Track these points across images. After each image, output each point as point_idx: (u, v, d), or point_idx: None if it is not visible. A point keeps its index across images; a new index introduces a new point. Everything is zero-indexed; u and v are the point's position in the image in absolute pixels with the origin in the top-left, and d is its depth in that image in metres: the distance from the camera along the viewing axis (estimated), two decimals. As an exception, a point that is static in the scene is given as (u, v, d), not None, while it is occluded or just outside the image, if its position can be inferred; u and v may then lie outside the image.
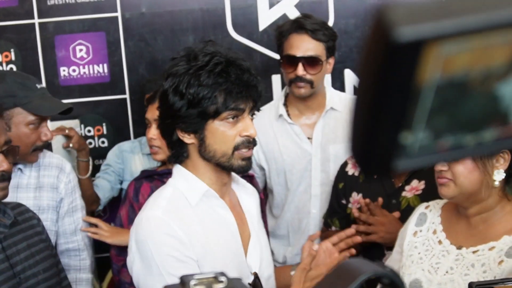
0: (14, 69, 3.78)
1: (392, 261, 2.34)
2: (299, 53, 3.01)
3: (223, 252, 1.96)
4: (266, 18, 3.82)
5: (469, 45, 0.50)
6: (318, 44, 3.02)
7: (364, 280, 0.88)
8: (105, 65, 3.84)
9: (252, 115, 1.93)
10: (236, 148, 1.91)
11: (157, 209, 1.92)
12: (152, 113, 2.71)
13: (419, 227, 2.29)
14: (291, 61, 3.02)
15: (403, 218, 2.74)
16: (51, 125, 3.71)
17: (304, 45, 3.02)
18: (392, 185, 2.82)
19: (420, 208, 2.35)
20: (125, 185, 3.49)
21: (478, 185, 2.08)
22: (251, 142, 1.92)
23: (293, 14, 3.73)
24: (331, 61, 3.11)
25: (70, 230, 2.84)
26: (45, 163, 2.81)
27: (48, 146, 2.96)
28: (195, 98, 1.86)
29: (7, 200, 2.36)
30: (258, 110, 1.99)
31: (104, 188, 3.46)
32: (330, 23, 3.82)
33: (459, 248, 2.16)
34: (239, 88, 1.86)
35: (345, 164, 2.99)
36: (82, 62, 3.83)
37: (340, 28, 3.83)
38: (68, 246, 2.84)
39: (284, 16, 3.78)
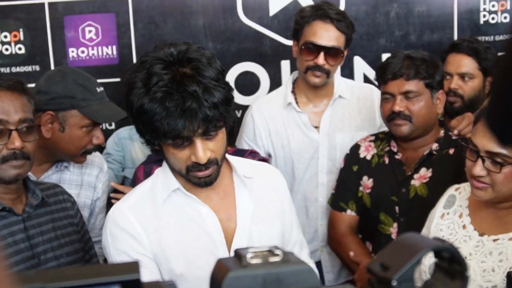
0: (23, 49, 3.76)
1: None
2: (322, 42, 3.00)
3: (193, 247, 1.98)
4: (276, 3, 3.81)
5: None
6: (341, 35, 3.02)
7: (425, 254, 0.89)
8: (114, 47, 3.83)
9: (210, 135, 1.85)
10: (188, 170, 1.90)
11: (125, 202, 2.00)
12: None
13: (446, 210, 2.30)
14: (312, 48, 3.00)
15: (412, 208, 2.75)
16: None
17: (329, 35, 3.01)
18: (403, 173, 2.83)
19: (451, 190, 2.35)
20: (126, 172, 3.48)
21: None
22: (202, 165, 1.88)
23: (305, 0, 3.72)
24: (345, 52, 3.11)
25: (100, 225, 2.83)
26: (88, 161, 2.80)
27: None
28: (141, 119, 1.85)
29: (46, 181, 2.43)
30: (222, 127, 1.87)
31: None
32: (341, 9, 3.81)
33: (481, 235, 2.16)
34: (179, 118, 1.77)
35: (357, 147, 2.99)
36: (91, 43, 3.81)
37: (351, 15, 3.78)
38: (98, 239, 2.84)
39: (295, 2, 3.76)
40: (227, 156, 2.07)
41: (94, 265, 2.20)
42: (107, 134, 3.69)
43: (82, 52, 3.81)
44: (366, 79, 3.84)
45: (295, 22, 3.10)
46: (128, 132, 3.54)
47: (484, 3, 3.85)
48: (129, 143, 3.51)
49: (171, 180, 1.99)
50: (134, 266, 0.81)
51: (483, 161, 2.08)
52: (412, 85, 2.71)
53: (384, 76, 2.76)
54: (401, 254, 0.88)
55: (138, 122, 1.86)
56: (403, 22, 3.84)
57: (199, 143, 1.84)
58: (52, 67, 3.76)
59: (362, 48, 3.86)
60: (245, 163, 2.14)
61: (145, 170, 2.85)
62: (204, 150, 1.85)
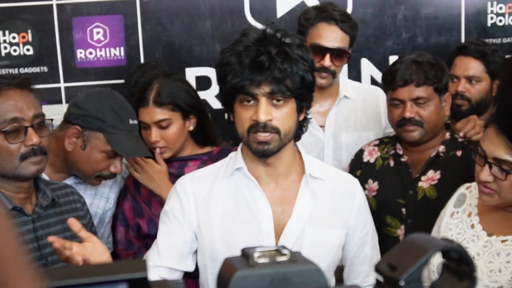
0: (31, 50, 3.77)
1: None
2: (327, 44, 3.01)
3: (237, 229, 2.04)
4: (284, 5, 3.81)
5: None
6: (345, 36, 3.04)
7: (433, 254, 0.88)
8: (121, 48, 3.83)
9: (277, 100, 1.93)
10: (249, 131, 1.96)
11: (194, 173, 2.18)
12: (149, 115, 2.70)
13: (456, 208, 2.30)
14: (318, 50, 3.00)
15: (420, 209, 2.75)
16: (67, 107, 3.71)
17: (334, 36, 3.02)
18: (409, 175, 2.82)
19: (461, 189, 2.35)
20: None
21: None
22: (260, 126, 1.94)
23: (311, 1, 3.72)
24: (350, 52, 3.12)
25: (108, 233, 2.83)
26: None
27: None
28: (220, 74, 1.98)
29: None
30: (289, 97, 1.95)
31: None
32: (348, 11, 3.80)
33: (489, 235, 2.16)
34: (249, 70, 1.89)
35: (361, 152, 2.99)
36: (99, 44, 3.82)
37: (358, 17, 3.81)
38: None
39: (302, 3, 3.76)
40: (304, 155, 2.11)
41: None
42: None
43: (90, 53, 3.81)
44: (373, 81, 3.83)
45: (299, 24, 3.11)
46: None
47: (492, 5, 3.84)
48: None
49: (238, 159, 2.07)
50: (141, 264, 0.81)
51: (490, 167, 2.08)
52: (422, 91, 2.71)
53: (393, 82, 2.75)
54: (409, 254, 0.88)
55: (218, 80, 1.99)
56: (410, 24, 3.84)
57: (263, 103, 1.92)
58: (60, 69, 3.78)
59: (369, 50, 3.85)
60: (322, 166, 2.16)
61: (134, 179, 2.83)
62: (266, 111, 1.92)
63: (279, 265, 0.85)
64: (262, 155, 2.00)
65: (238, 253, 1.96)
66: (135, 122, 2.61)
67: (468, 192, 2.32)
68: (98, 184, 2.66)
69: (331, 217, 2.08)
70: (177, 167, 2.78)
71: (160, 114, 2.67)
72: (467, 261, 0.90)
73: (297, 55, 1.91)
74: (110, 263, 2.15)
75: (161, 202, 2.74)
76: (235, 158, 2.10)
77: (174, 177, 2.71)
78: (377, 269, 0.89)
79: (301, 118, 2.04)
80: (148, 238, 2.77)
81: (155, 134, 2.72)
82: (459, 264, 0.90)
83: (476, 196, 2.26)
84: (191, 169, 2.76)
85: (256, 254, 0.86)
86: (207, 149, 2.83)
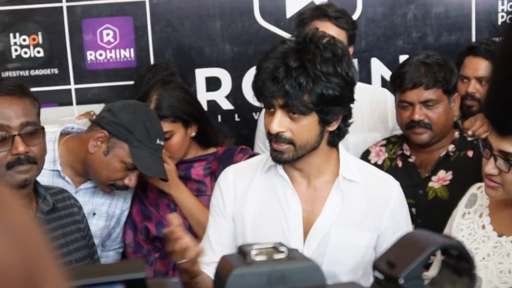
0: (41, 52, 3.79)
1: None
2: None
3: (267, 224, 2.08)
4: (293, 5, 3.81)
5: None
6: (341, 32, 3.00)
7: (433, 251, 0.88)
8: (131, 49, 3.84)
9: (293, 113, 1.93)
10: (269, 137, 2.00)
11: (237, 165, 2.24)
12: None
13: (468, 209, 2.28)
14: None
15: (431, 209, 2.73)
16: (78, 109, 3.73)
17: (329, 33, 3.00)
18: (418, 175, 2.80)
19: (472, 189, 2.34)
20: None
21: None
22: (272, 136, 1.96)
23: (321, 2, 3.71)
24: (351, 49, 3.09)
25: (122, 234, 2.84)
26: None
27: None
28: (254, 77, 2.02)
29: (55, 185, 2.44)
30: (304, 113, 1.93)
31: None
32: (358, 11, 3.80)
33: (500, 235, 2.15)
34: (267, 80, 1.92)
35: (367, 153, 2.97)
36: (109, 46, 3.83)
37: (368, 17, 3.81)
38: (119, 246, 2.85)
39: (312, 4, 3.75)
40: (342, 155, 2.11)
41: (100, 264, 2.21)
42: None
43: (100, 55, 3.83)
44: (384, 81, 3.82)
45: (296, 26, 3.10)
46: None
47: (502, 4, 3.82)
48: None
49: None
50: (139, 265, 0.81)
51: (496, 159, 2.07)
52: (432, 94, 2.69)
53: (402, 85, 2.73)
54: (408, 252, 0.87)
55: (253, 80, 2.02)
56: (421, 23, 3.82)
57: (278, 114, 1.94)
58: (71, 70, 3.80)
59: (380, 50, 3.84)
60: (361, 168, 2.15)
61: (141, 182, 2.81)
62: (279, 122, 1.94)
63: (277, 262, 0.84)
64: (277, 162, 2.03)
65: None
66: (162, 143, 2.61)
67: (479, 192, 2.30)
68: (108, 192, 2.65)
69: (361, 219, 2.07)
70: (183, 169, 2.78)
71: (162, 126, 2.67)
72: (467, 258, 0.89)
73: (320, 71, 1.89)
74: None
75: (168, 204, 2.74)
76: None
77: (181, 179, 2.71)
78: (376, 266, 0.88)
79: (331, 128, 2.02)
80: (157, 241, 2.76)
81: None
82: (458, 261, 0.90)
83: (487, 196, 2.25)
84: (197, 170, 2.76)
85: (253, 252, 0.86)
86: (211, 150, 2.83)
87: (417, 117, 2.69)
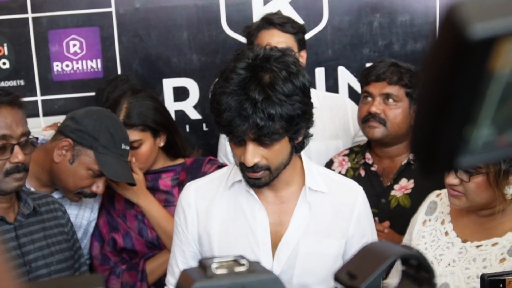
0: (7, 64, 3.76)
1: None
2: None
3: (234, 240, 2.07)
4: (260, 15, 3.79)
5: None
6: (288, 37, 3.04)
7: (392, 261, 0.89)
8: (98, 60, 3.83)
9: (265, 143, 1.92)
10: (241, 167, 1.99)
11: (198, 181, 2.20)
12: None
13: (428, 216, 2.30)
14: None
15: (394, 218, 2.75)
16: (44, 120, 3.70)
17: (275, 39, 3.00)
18: (381, 184, 2.83)
19: (432, 196, 2.36)
20: None
21: (490, 199, 2.09)
22: (248, 167, 1.94)
23: (288, 11, 3.73)
24: (303, 54, 3.11)
25: (88, 246, 2.83)
26: None
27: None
28: (211, 106, 1.97)
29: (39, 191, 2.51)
30: (277, 139, 1.92)
31: None
32: (324, 20, 3.82)
33: (464, 241, 2.17)
34: (235, 117, 1.87)
35: (330, 163, 2.99)
36: (75, 57, 3.81)
37: (334, 26, 3.84)
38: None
39: (279, 13, 3.77)
40: (306, 164, 2.11)
41: (58, 279, 2.24)
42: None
43: (67, 66, 3.80)
44: (351, 89, 3.85)
45: (246, 38, 3.13)
46: None
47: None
48: None
49: (238, 171, 2.06)
50: (97, 279, 0.81)
51: (456, 170, 2.09)
52: (394, 89, 2.73)
53: (367, 77, 2.78)
54: (368, 262, 0.88)
55: (212, 109, 1.97)
56: (386, 31, 3.86)
57: (250, 146, 1.92)
58: (37, 82, 3.77)
59: (346, 58, 3.87)
60: (325, 176, 2.15)
61: (108, 192, 2.81)
62: (253, 154, 1.92)
63: (237, 275, 0.85)
64: (255, 187, 2.03)
65: None
66: (127, 148, 2.60)
67: (439, 199, 2.33)
68: (76, 200, 2.65)
69: (329, 228, 2.07)
70: (150, 180, 2.78)
71: (130, 135, 2.65)
72: (426, 268, 0.90)
73: (282, 95, 1.87)
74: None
75: (136, 215, 2.73)
76: (236, 170, 2.10)
77: (149, 190, 2.70)
78: (337, 277, 0.89)
79: (298, 141, 2.03)
80: (124, 252, 2.75)
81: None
82: (418, 270, 0.91)
83: (448, 203, 2.27)
84: (165, 180, 2.75)
85: (214, 265, 0.86)
86: (179, 161, 2.82)
87: (374, 109, 2.73)
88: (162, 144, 2.76)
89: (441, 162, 0.60)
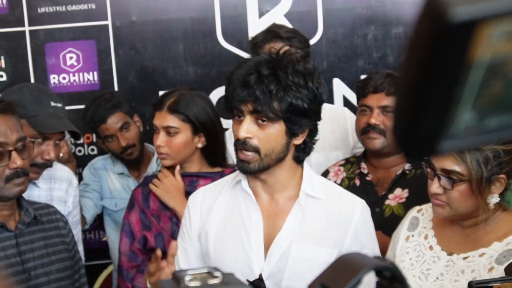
0: (4, 76, 3.78)
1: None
2: None
3: (228, 238, 2.10)
4: (255, 27, 3.84)
5: None
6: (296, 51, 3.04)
7: (365, 274, 0.90)
8: (95, 73, 3.85)
9: (262, 120, 1.96)
10: (236, 146, 2.02)
11: (207, 185, 2.28)
12: (160, 119, 2.72)
13: (411, 232, 2.30)
14: None
15: (388, 227, 2.76)
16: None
17: None
18: (375, 193, 2.84)
19: (412, 212, 2.36)
20: (105, 203, 3.50)
21: (473, 208, 2.09)
22: (240, 143, 1.98)
23: (283, 23, 3.76)
24: None
25: (76, 238, 2.84)
26: (57, 176, 2.84)
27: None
28: (227, 79, 2.05)
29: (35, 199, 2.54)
30: (272, 119, 1.96)
31: (88, 206, 3.45)
32: (319, 33, 3.85)
33: (450, 254, 2.17)
34: (237, 86, 1.95)
35: (326, 172, 3.00)
36: (72, 70, 3.83)
37: (329, 38, 3.86)
38: None
39: (284, 26, 3.79)
40: (306, 172, 2.13)
41: None
42: (90, 159, 3.70)
43: (64, 78, 3.83)
44: (346, 101, 3.87)
45: (250, 49, 3.13)
46: (102, 163, 3.57)
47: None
48: (104, 173, 3.53)
49: (240, 173, 2.12)
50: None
51: (439, 179, 2.10)
52: (391, 101, 2.73)
53: (364, 88, 2.79)
54: (341, 274, 0.89)
55: (225, 92, 2.06)
56: (381, 44, 3.88)
57: (247, 120, 1.97)
58: (34, 94, 3.78)
59: (341, 70, 3.89)
60: (325, 186, 2.18)
61: (143, 191, 2.85)
62: (246, 128, 1.97)
63: None
64: (243, 172, 2.05)
65: (228, 261, 2.03)
66: (59, 104, 2.66)
67: (420, 215, 2.33)
68: (36, 178, 2.68)
69: (322, 235, 2.08)
70: (188, 184, 2.80)
71: (170, 120, 2.68)
72: (400, 279, 0.91)
73: (291, 82, 1.91)
74: None
75: (170, 217, 2.75)
76: (238, 171, 2.15)
77: (186, 194, 2.72)
78: (311, 289, 0.90)
79: (297, 142, 2.05)
80: (153, 252, 2.78)
81: (161, 139, 2.73)
82: (392, 282, 0.92)
83: (430, 218, 2.28)
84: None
85: (187, 278, 0.87)
86: (217, 169, 2.83)
87: (373, 121, 2.74)
88: (200, 145, 2.76)
89: (423, 147, 0.60)
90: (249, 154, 1.99)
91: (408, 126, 0.59)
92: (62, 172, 2.87)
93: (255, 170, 2.02)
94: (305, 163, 2.16)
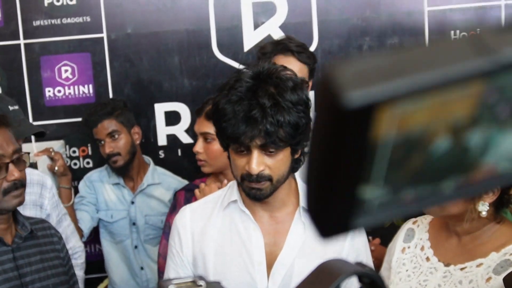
0: (-1, 89, 3.79)
1: None
2: None
3: (229, 261, 2.06)
4: (251, 39, 3.85)
5: (425, 102, 0.48)
6: (304, 67, 3.03)
7: (343, 280, 0.89)
8: (90, 85, 3.85)
9: (270, 151, 1.92)
10: (243, 178, 1.97)
11: (194, 204, 2.22)
12: (199, 126, 2.72)
13: (407, 243, 2.29)
14: None
15: (387, 237, 2.75)
16: (36, 146, 3.71)
17: (291, 67, 2.98)
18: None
19: (408, 224, 2.35)
20: (101, 215, 3.50)
21: (461, 211, 2.08)
22: (252, 177, 1.94)
23: (278, 35, 3.76)
24: (310, 83, 3.12)
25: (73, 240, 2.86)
26: (27, 181, 2.80)
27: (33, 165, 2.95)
28: (215, 118, 1.98)
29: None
30: (282, 147, 1.93)
31: (85, 219, 3.46)
32: (314, 44, 3.85)
33: (447, 265, 2.16)
34: (242, 123, 1.87)
35: None
36: (67, 82, 3.83)
37: (324, 49, 3.86)
38: None
39: (269, 37, 3.80)
40: (300, 185, 2.11)
41: None
42: (86, 172, 3.70)
43: (59, 91, 3.83)
44: (342, 112, 3.86)
45: (258, 59, 3.11)
46: (98, 175, 3.58)
47: (455, 34, 3.89)
48: (100, 185, 3.54)
49: (234, 192, 2.09)
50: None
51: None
52: None
53: None
54: (321, 281, 0.89)
55: (214, 122, 1.99)
56: (376, 54, 3.87)
57: (255, 154, 1.91)
58: (29, 107, 3.79)
59: (337, 81, 3.88)
60: None
61: (186, 196, 2.85)
62: (258, 162, 1.92)
63: (194, 297, 0.85)
64: (257, 199, 2.02)
65: (232, 283, 2.00)
66: (16, 107, 2.70)
67: (416, 226, 2.32)
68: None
69: (323, 248, 2.06)
70: None
71: (207, 127, 2.69)
72: (380, 286, 0.90)
73: (290, 103, 1.88)
74: None
75: None
76: (231, 190, 2.12)
77: None
78: (292, 297, 0.89)
79: (297, 155, 2.03)
80: None
81: (199, 146, 2.76)
82: (371, 288, 0.91)
83: (425, 229, 2.27)
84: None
85: (171, 287, 0.86)
86: None
87: None
88: None
89: (337, 224, 0.59)
90: (262, 183, 1.96)
91: (319, 207, 0.58)
92: (31, 176, 2.84)
93: (266, 195, 2.00)
94: (297, 175, 2.15)
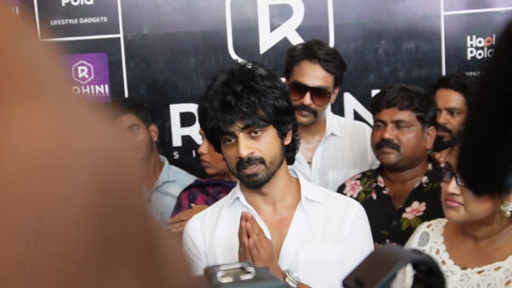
0: (15, 88, 3.79)
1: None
2: (308, 82, 2.96)
3: (236, 256, 2.08)
4: (267, 41, 3.85)
5: None
6: (328, 76, 2.98)
7: (401, 268, 0.88)
8: (106, 85, 3.86)
9: (254, 132, 2.00)
10: (237, 167, 2.04)
11: (200, 212, 2.27)
12: None
13: (421, 247, 2.28)
14: (299, 88, 2.97)
15: (405, 240, 2.75)
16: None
17: (315, 75, 2.96)
18: (392, 206, 2.83)
19: (422, 227, 2.34)
20: None
21: (489, 213, 2.07)
22: (245, 162, 2.01)
23: (294, 37, 3.77)
24: (336, 91, 3.08)
25: None
26: None
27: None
28: (200, 120, 2.09)
29: None
30: (264, 126, 2.01)
31: None
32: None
33: (463, 268, 2.15)
34: (220, 112, 1.97)
35: (343, 187, 2.99)
36: (83, 82, 3.84)
37: (340, 52, 3.84)
38: None
39: (285, 39, 3.81)
40: (302, 180, 2.18)
41: None
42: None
43: (75, 91, 3.82)
44: (356, 115, 3.86)
45: (286, 61, 3.09)
46: None
47: (471, 39, 3.90)
48: None
49: (237, 190, 2.17)
50: None
51: (457, 178, 2.08)
52: (405, 115, 2.74)
53: (378, 103, 2.80)
54: (376, 268, 0.87)
55: (200, 125, 2.10)
56: (392, 58, 3.88)
57: (241, 139, 1.99)
58: (45, 106, 3.79)
59: (352, 85, 3.89)
60: (322, 191, 2.23)
61: (189, 196, 2.86)
62: (245, 145, 1.99)
63: (244, 284, 0.84)
64: (254, 186, 2.08)
65: None
66: None
67: (430, 230, 2.31)
68: None
69: (325, 235, 2.12)
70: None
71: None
72: (437, 273, 0.90)
73: (264, 86, 1.97)
74: None
75: None
76: (236, 189, 2.19)
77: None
78: (344, 284, 0.89)
79: (287, 142, 2.11)
80: None
81: (203, 147, 2.79)
82: (429, 276, 0.90)
83: (440, 233, 2.26)
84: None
85: (219, 274, 0.85)
86: None
87: (387, 135, 2.74)
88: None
89: (493, 184, 0.59)
90: (255, 167, 2.02)
91: (479, 164, 0.58)
92: None
93: (264, 180, 2.05)
94: (299, 174, 2.22)
